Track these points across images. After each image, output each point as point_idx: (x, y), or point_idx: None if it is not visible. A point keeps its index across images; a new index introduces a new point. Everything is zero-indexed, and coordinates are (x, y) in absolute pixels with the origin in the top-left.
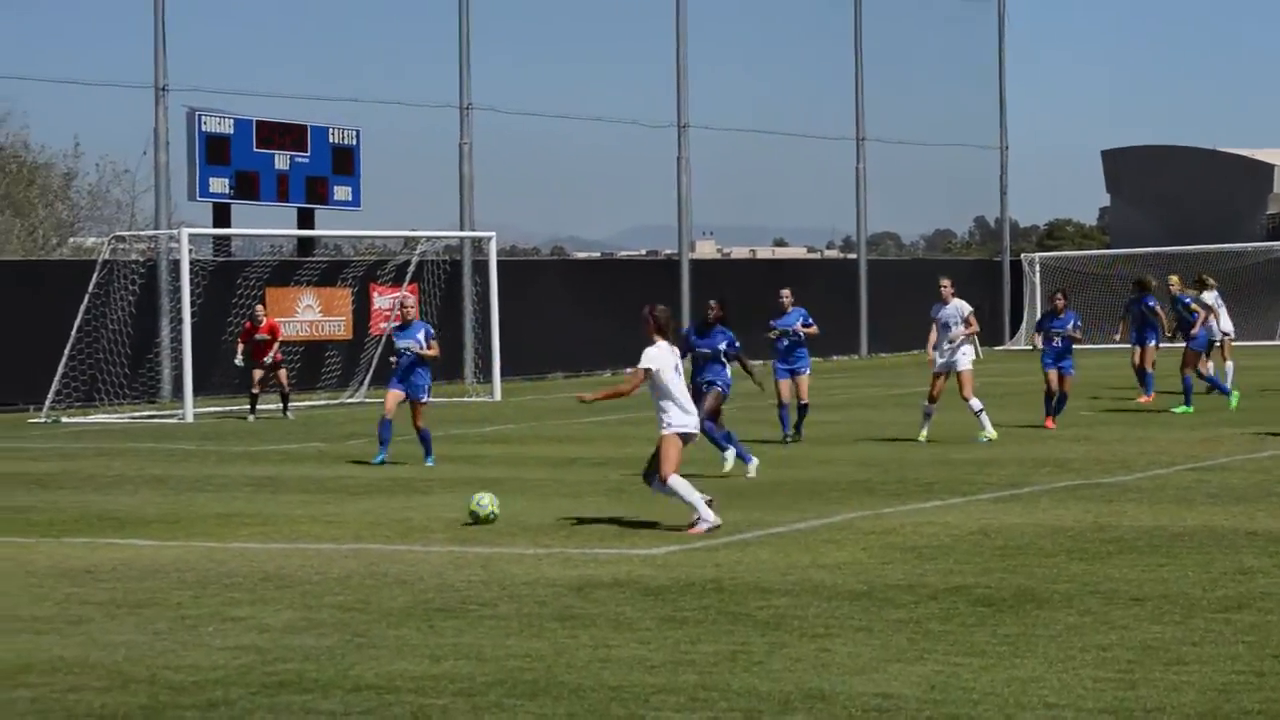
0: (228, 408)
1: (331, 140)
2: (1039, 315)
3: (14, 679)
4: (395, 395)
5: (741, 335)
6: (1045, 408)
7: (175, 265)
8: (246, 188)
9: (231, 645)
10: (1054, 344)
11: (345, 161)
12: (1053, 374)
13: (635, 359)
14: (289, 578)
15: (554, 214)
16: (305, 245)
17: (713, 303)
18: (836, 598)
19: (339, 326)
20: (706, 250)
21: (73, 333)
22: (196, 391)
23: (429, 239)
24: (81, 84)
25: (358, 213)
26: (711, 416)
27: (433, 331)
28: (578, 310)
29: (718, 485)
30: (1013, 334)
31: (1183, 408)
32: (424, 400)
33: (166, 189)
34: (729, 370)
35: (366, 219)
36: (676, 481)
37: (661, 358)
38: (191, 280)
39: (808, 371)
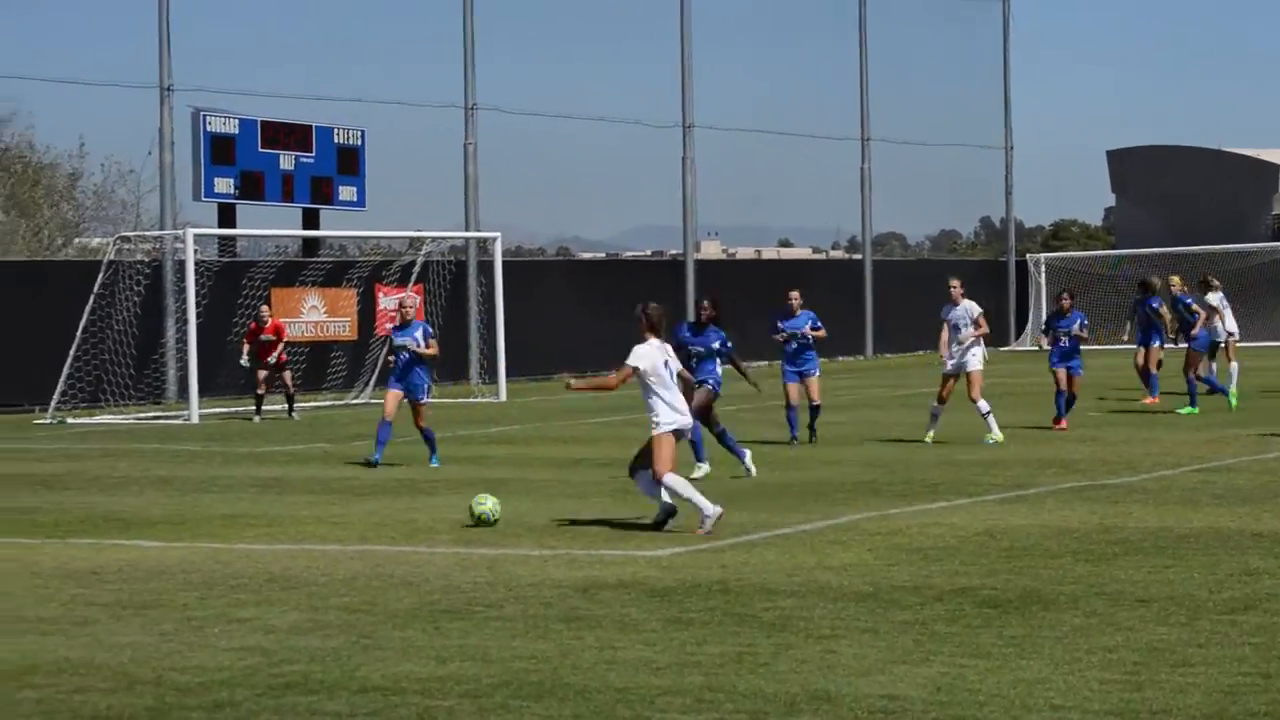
0: (233, 409)
1: (336, 140)
2: (1044, 316)
3: (20, 680)
4: (394, 396)
5: (747, 335)
6: (1056, 408)
7: (180, 266)
8: (251, 188)
9: (237, 646)
10: (1061, 344)
11: (350, 162)
12: (1061, 373)
13: None
14: (295, 579)
15: (559, 214)
16: (310, 246)
17: (705, 302)
18: (842, 599)
19: (344, 327)
20: (711, 251)
21: (78, 333)
22: (202, 392)
23: (434, 239)
24: (87, 84)
25: (363, 213)
26: (701, 414)
27: (431, 331)
28: (583, 311)
29: (719, 487)
30: (1018, 335)
31: (1188, 409)
32: (423, 400)
33: (171, 189)
34: (720, 369)
35: (371, 219)
36: (673, 480)
37: (650, 355)
38: (197, 281)
39: (817, 373)
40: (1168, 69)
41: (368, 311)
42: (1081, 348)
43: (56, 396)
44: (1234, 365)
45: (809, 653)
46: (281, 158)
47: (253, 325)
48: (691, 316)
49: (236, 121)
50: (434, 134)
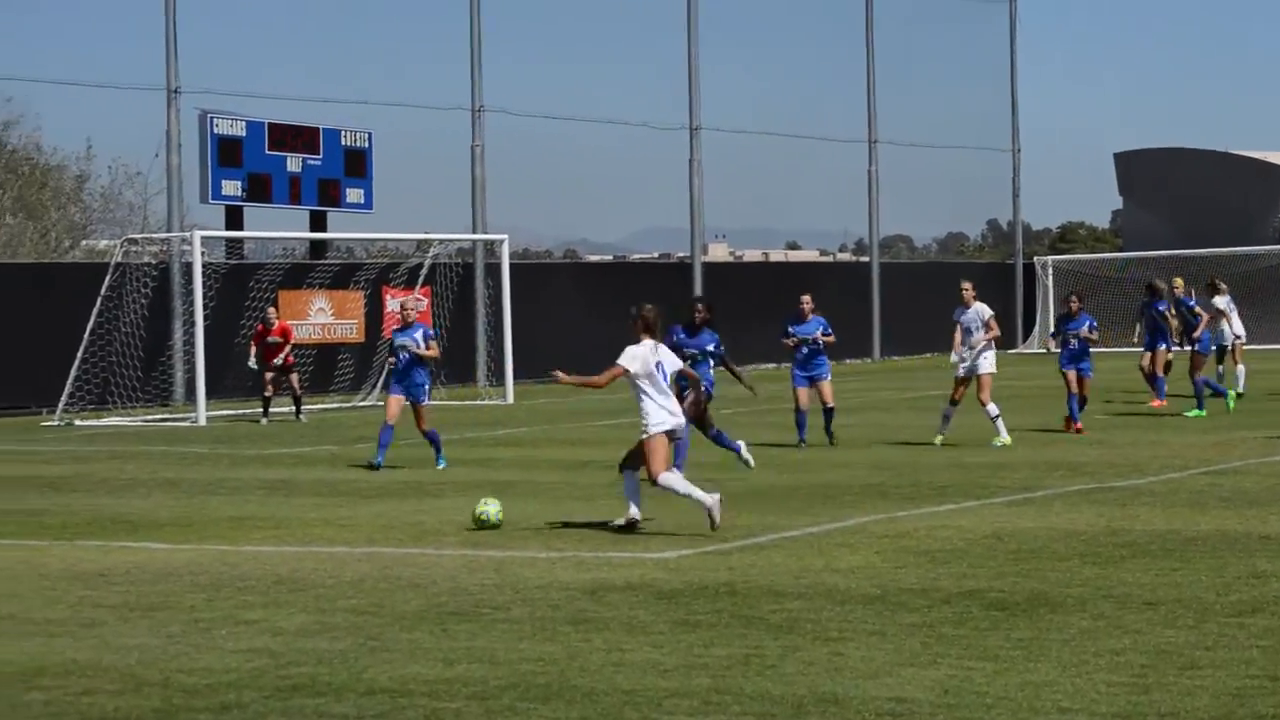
0: (240, 411)
1: (344, 143)
2: (1051, 318)
3: (27, 682)
4: (396, 401)
5: (755, 336)
6: (1069, 410)
7: (188, 268)
8: (259, 190)
9: (244, 648)
10: (1070, 346)
11: (357, 164)
12: (1071, 375)
13: None
14: (302, 581)
15: (566, 217)
16: (317, 248)
17: (699, 304)
18: (850, 601)
19: (351, 329)
20: (719, 253)
21: (85, 336)
22: (209, 394)
23: (441, 242)
24: (94, 87)
25: (370, 215)
26: (697, 418)
27: (431, 333)
28: (590, 313)
29: (726, 490)
30: (1025, 337)
31: (1195, 411)
32: (424, 402)
33: (179, 191)
34: (712, 372)
35: (379, 222)
36: (668, 479)
37: (642, 357)
38: (204, 283)
39: (829, 376)
40: (1175, 71)
41: (375, 314)
42: (1091, 349)
43: (64, 398)
44: (1240, 368)
45: (816, 655)
46: (289, 160)
47: (259, 327)
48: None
49: (244, 124)
50: (441, 136)
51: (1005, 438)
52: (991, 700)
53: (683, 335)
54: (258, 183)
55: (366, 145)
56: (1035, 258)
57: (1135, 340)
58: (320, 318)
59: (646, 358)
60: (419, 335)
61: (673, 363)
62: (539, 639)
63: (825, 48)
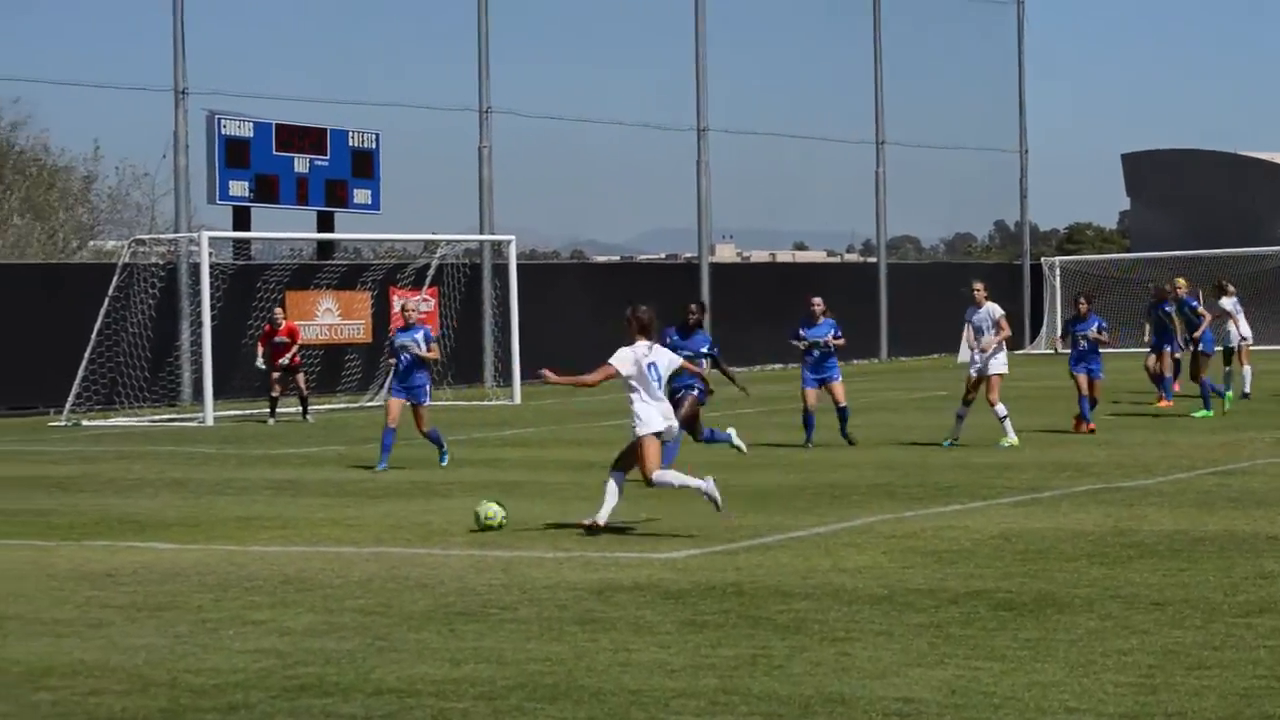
0: (248, 411)
1: (351, 143)
2: (1059, 319)
3: (35, 682)
4: (397, 404)
5: (761, 337)
6: (1080, 411)
7: (195, 268)
8: (266, 191)
9: (252, 649)
10: (1080, 348)
11: (365, 165)
12: (1082, 378)
13: None
14: (309, 581)
15: (573, 217)
16: (325, 249)
17: (693, 306)
18: (857, 602)
19: (358, 330)
20: (726, 254)
21: (93, 336)
22: (216, 395)
23: (448, 242)
24: (102, 88)
25: (377, 216)
26: (689, 422)
27: (433, 336)
28: (597, 314)
29: (731, 491)
30: (1033, 338)
31: (1203, 412)
32: (425, 403)
33: (186, 192)
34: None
35: (386, 222)
36: (661, 475)
37: (633, 358)
38: (211, 284)
39: (839, 378)
40: (1183, 72)
41: (382, 314)
42: (1101, 350)
43: (71, 399)
44: (1247, 369)
45: (823, 655)
46: (296, 161)
47: (266, 328)
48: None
49: (251, 125)
50: (448, 137)
51: (1013, 438)
52: (999, 700)
53: (676, 337)
54: (265, 183)
55: (374, 146)
56: (1043, 258)
57: (1146, 341)
58: (327, 318)
59: (639, 359)
60: (420, 336)
61: (670, 362)
62: (546, 639)
63: (832, 49)
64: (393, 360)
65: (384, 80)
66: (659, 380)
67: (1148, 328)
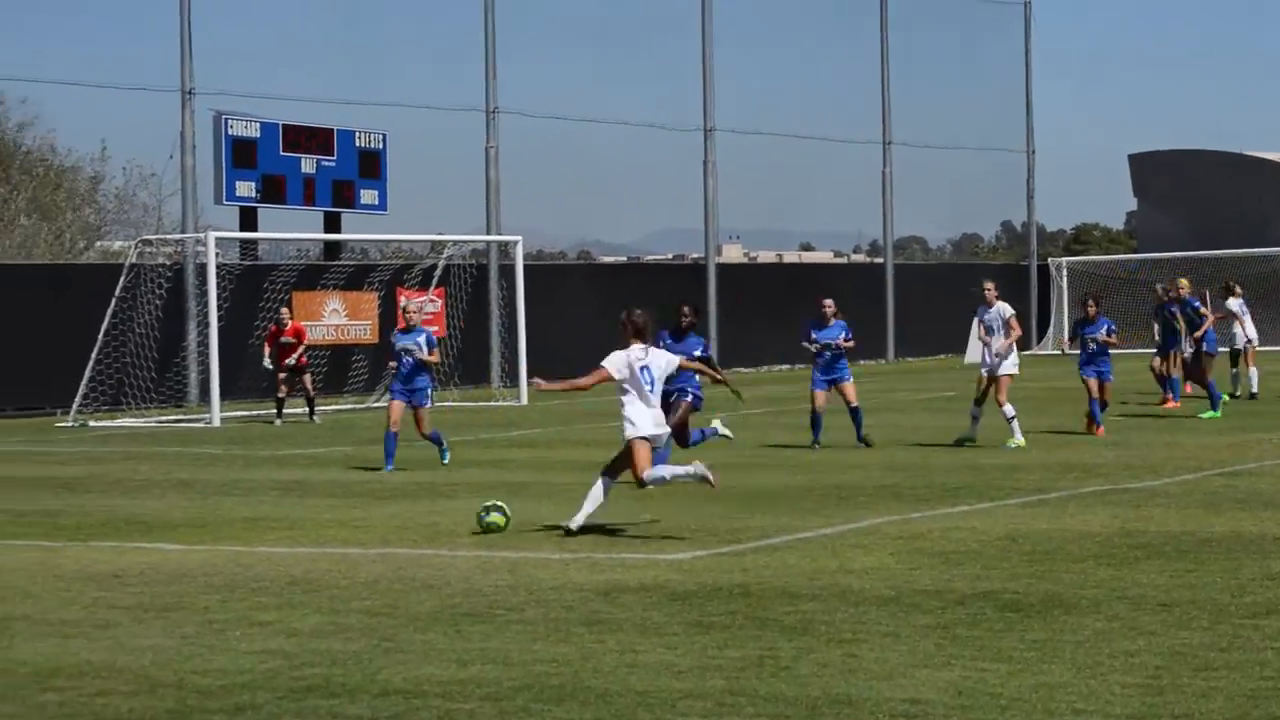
0: (254, 412)
1: (358, 144)
2: (1066, 320)
3: (42, 682)
4: (398, 407)
5: (768, 338)
6: (1091, 413)
7: (202, 269)
8: (273, 191)
9: (258, 649)
10: (1089, 350)
11: (372, 165)
12: (1092, 382)
13: None
14: (316, 582)
15: (580, 218)
16: (331, 249)
17: (686, 308)
18: (864, 603)
19: (365, 330)
20: (733, 254)
21: (100, 336)
22: (223, 395)
23: (455, 243)
24: (108, 88)
25: (384, 216)
26: (678, 429)
27: (435, 340)
28: (604, 315)
29: (735, 492)
30: (1040, 339)
31: (1209, 413)
32: (426, 406)
33: (193, 193)
34: (699, 377)
35: (393, 223)
36: (653, 473)
37: (626, 361)
38: (218, 284)
39: (850, 378)
40: (1190, 73)
41: (389, 315)
42: (1110, 352)
43: (78, 399)
44: (1253, 370)
45: (830, 656)
46: (303, 161)
47: (273, 328)
48: (715, 322)
49: (258, 125)
50: (455, 137)
51: (1020, 439)
52: (1005, 702)
53: (669, 340)
54: (272, 184)
55: (381, 146)
56: (1050, 259)
57: (1155, 342)
58: (334, 319)
59: (631, 362)
60: (422, 340)
61: (667, 363)
62: (552, 640)
63: (839, 49)
64: (394, 364)
65: (391, 81)
66: (653, 383)
67: (1156, 328)
